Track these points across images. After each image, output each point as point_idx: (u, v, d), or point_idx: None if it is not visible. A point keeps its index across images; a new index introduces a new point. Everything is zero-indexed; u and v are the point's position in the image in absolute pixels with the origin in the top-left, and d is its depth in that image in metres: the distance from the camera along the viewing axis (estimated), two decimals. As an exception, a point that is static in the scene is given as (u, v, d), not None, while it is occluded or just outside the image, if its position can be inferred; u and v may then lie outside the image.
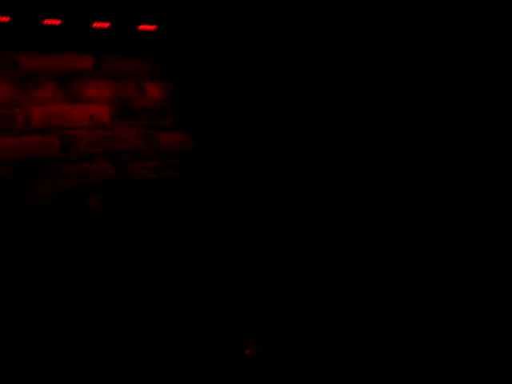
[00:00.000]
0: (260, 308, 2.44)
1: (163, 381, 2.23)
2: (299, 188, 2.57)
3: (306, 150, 2.61)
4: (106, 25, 2.31)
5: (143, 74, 2.43)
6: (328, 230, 2.51)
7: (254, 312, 2.44)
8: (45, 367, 2.09)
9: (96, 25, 2.30)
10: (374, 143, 2.54)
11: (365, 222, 2.50)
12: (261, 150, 2.57)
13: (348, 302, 2.49)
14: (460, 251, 2.51)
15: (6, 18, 2.15)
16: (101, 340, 2.18)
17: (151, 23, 2.36)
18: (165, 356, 2.27)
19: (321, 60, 2.66)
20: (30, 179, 2.21)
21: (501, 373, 2.22)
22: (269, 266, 2.47)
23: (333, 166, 2.60)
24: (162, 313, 2.31)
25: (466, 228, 2.51)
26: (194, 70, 2.51)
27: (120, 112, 2.39)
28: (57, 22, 2.23)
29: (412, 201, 2.52)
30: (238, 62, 2.59)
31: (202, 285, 2.38)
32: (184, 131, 2.47)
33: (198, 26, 2.43)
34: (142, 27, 2.38)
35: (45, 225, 2.20)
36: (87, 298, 2.21)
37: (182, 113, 2.48)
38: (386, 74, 2.57)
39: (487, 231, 2.42)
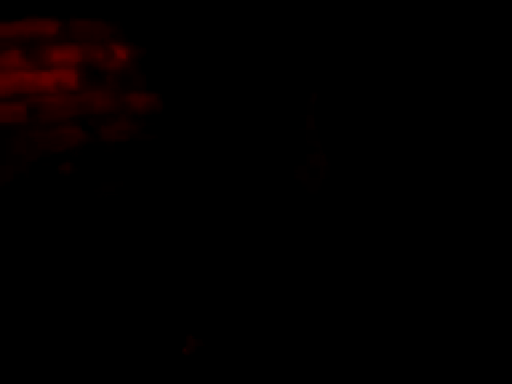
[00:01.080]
0: (200, 298, 2.44)
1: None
2: (264, 154, 2.58)
3: (270, 119, 2.60)
4: (66, -13, 2.26)
5: (109, 36, 2.39)
6: (290, 202, 2.54)
7: (192, 303, 2.44)
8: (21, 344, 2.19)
9: (56, -13, 2.25)
10: (329, 112, 2.53)
11: (324, 192, 2.52)
12: (227, 113, 2.56)
13: (310, 284, 2.52)
14: (422, 217, 2.53)
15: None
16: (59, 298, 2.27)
17: (114, -17, 2.30)
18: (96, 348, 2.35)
19: (284, 31, 2.60)
20: None
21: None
22: (224, 242, 2.51)
23: (294, 137, 2.60)
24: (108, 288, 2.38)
25: (425, 192, 2.53)
26: (162, 30, 2.47)
27: (88, 76, 2.38)
28: (15, -13, 2.18)
29: (370, 170, 2.53)
30: (205, 23, 2.54)
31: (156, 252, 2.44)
32: (153, 93, 2.46)
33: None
34: (105, -13, 2.32)
35: (17, 194, 2.25)
36: (60, 265, 2.28)
37: (151, 75, 2.46)
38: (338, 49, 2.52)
39: (452, 195, 2.44)
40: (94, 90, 2.38)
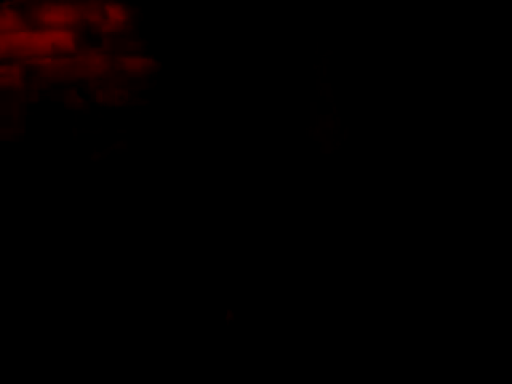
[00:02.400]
0: (234, 270, 2.42)
1: (141, 355, 2.29)
2: (273, 120, 2.47)
3: (277, 79, 2.47)
4: None
5: (104, -4, 2.33)
6: (306, 164, 2.42)
7: (227, 274, 2.42)
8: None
9: None
10: (346, 74, 2.37)
11: (341, 153, 2.39)
12: (229, 77, 2.46)
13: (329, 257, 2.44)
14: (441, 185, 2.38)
15: None
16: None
17: None
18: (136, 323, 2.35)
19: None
20: (-7, 112, 2.24)
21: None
22: (240, 211, 2.44)
23: (307, 98, 2.46)
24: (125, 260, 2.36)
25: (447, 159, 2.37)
26: (159, -11, 2.38)
27: (83, 38, 2.33)
28: None
29: (388, 130, 2.37)
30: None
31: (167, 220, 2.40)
32: (150, 57, 2.39)
33: None
34: None
35: (13, 159, 2.26)
36: (56, 229, 2.29)
37: (147, 38, 2.38)
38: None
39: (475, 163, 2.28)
40: (89, 53, 2.34)
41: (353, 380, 2.25)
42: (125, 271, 2.32)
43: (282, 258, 2.41)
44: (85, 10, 2.31)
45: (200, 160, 2.43)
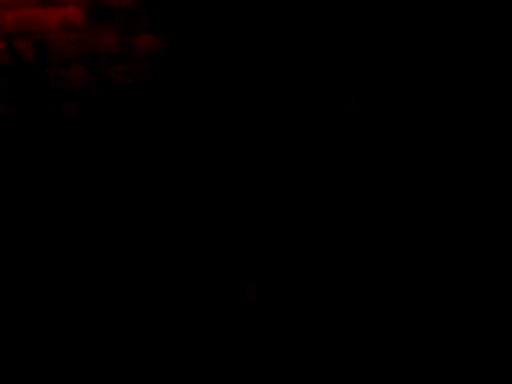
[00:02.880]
0: (255, 244, 2.41)
1: (160, 330, 2.31)
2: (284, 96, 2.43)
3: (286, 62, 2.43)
4: None
5: (115, -28, 2.32)
6: (322, 140, 2.39)
7: (248, 249, 2.42)
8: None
9: None
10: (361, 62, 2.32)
11: (354, 134, 2.36)
12: (241, 58, 2.42)
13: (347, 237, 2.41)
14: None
15: None
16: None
17: None
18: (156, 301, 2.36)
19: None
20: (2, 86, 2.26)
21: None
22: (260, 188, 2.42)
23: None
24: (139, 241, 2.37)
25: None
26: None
27: (94, 14, 2.32)
28: None
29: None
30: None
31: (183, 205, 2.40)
32: (160, 35, 2.37)
33: None
34: None
35: (21, 134, 2.28)
36: (64, 209, 2.31)
37: (157, 15, 2.36)
38: None
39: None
40: (100, 29, 2.33)
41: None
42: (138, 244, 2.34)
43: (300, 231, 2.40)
44: (95, -15, 2.31)
45: (208, 136, 2.42)
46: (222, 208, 2.39)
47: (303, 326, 2.31)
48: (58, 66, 2.31)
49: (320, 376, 2.24)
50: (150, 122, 2.38)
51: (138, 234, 2.35)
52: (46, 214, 2.29)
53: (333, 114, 2.39)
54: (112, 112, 2.35)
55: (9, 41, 2.25)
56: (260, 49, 2.40)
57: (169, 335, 2.32)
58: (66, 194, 2.31)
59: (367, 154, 2.37)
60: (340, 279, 2.35)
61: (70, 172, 2.32)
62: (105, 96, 2.35)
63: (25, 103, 2.28)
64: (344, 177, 2.37)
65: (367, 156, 2.37)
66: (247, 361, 2.27)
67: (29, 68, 2.28)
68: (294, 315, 2.32)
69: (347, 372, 2.23)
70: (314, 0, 2.33)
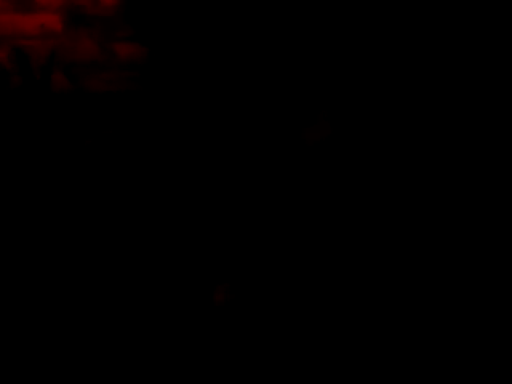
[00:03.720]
0: (225, 245, 2.39)
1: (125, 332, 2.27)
2: (258, 115, 2.42)
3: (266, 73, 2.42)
4: None
5: (95, -22, 2.29)
6: (289, 153, 2.37)
7: (218, 250, 2.39)
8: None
9: None
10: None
11: (324, 144, 2.34)
12: (220, 68, 2.41)
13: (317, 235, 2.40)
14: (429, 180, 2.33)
15: None
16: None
17: None
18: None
19: None
20: (-22, 92, 2.23)
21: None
22: (229, 193, 2.41)
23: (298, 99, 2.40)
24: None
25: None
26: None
27: (73, 21, 2.30)
28: None
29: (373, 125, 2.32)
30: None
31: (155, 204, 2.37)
32: (140, 43, 2.35)
33: None
34: None
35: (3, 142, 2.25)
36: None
37: (138, 23, 2.34)
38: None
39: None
40: (79, 37, 2.31)
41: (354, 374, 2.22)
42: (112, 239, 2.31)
43: (277, 237, 2.38)
44: (75, -8, 2.28)
45: (189, 144, 2.40)
46: (195, 210, 2.37)
47: (275, 333, 2.29)
48: (36, 72, 2.28)
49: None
50: (130, 129, 2.35)
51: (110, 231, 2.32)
52: (36, 211, 2.26)
53: (291, 140, 2.36)
54: (92, 119, 2.33)
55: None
56: (235, 57, 2.38)
57: (131, 338, 2.29)
58: (46, 186, 2.28)
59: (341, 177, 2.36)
60: (316, 282, 2.34)
61: (51, 174, 2.30)
62: (84, 104, 2.32)
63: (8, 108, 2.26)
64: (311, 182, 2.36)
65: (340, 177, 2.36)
66: (213, 366, 2.24)
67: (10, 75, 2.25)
68: (267, 320, 2.30)
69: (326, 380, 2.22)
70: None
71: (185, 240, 2.35)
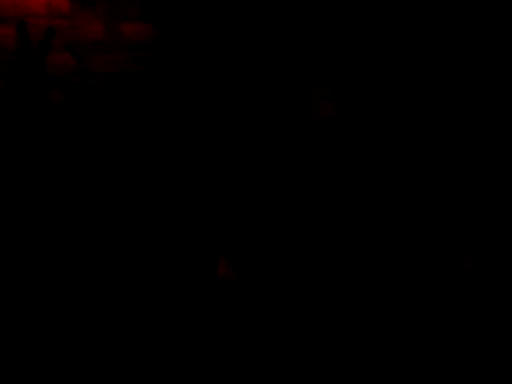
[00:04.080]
0: (230, 221, 2.43)
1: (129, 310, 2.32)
2: (269, 91, 2.54)
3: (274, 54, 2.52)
4: None
5: (105, -42, 2.25)
6: (300, 127, 2.50)
7: (223, 225, 2.43)
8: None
9: None
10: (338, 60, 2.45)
11: (334, 120, 2.48)
12: (226, 49, 2.48)
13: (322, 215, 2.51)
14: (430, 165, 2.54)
15: None
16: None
17: None
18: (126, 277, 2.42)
19: None
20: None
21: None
22: (238, 171, 2.51)
23: (306, 77, 2.53)
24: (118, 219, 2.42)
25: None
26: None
27: (80, 0, 2.26)
28: None
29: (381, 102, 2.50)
30: None
31: (162, 188, 2.47)
32: (148, 23, 2.36)
33: None
34: None
35: (4, 118, 2.22)
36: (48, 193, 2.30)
37: (145, 3, 2.34)
38: None
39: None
40: (85, 15, 2.28)
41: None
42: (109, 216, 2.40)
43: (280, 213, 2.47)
44: (83, -30, 2.23)
45: (194, 127, 2.48)
46: (201, 192, 2.49)
47: (278, 309, 2.39)
48: (41, 51, 2.24)
49: (298, 368, 2.29)
50: (135, 112, 2.40)
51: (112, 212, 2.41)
52: (36, 205, 2.28)
53: (294, 117, 2.48)
54: (97, 99, 2.34)
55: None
56: (249, 43, 2.46)
57: (135, 317, 2.38)
58: (53, 184, 2.31)
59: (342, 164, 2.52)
60: (316, 264, 2.50)
61: (56, 160, 2.31)
62: (90, 84, 2.32)
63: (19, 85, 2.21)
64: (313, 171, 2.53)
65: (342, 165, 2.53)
66: (217, 347, 2.32)
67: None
68: (271, 296, 2.39)
69: (329, 367, 2.28)
70: None
71: (189, 217, 2.47)
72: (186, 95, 2.46)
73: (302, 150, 2.50)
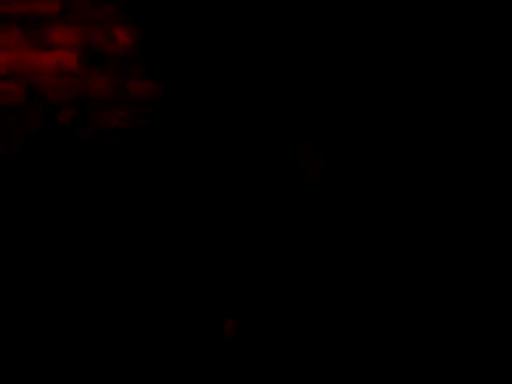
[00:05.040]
0: (234, 283, 2.45)
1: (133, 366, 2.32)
2: (263, 152, 2.53)
3: (268, 117, 2.53)
4: (71, -34, 2.19)
5: (112, 18, 2.33)
6: (288, 192, 2.49)
7: (227, 287, 2.44)
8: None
9: (61, -34, 2.18)
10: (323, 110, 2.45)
11: (322, 184, 2.47)
12: (230, 104, 2.50)
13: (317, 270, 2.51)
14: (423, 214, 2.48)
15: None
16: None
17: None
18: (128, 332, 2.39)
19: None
20: (-5, 129, 2.24)
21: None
22: (237, 233, 2.50)
23: (294, 137, 2.53)
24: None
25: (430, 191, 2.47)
26: (165, 14, 2.40)
27: (88, 59, 2.34)
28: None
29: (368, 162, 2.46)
30: (211, 13, 2.45)
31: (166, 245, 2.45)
32: (154, 80, 2.41)
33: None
34: (112, -32, 2.25)
35: (12, 176, 2.26)
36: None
37: (152, 61, 2.40)
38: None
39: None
40: (94, 74, 2.35)
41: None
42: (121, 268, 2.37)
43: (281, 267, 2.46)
44: (92, 31, 2.32)
45: (197, 181, 2.48)
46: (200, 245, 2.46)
47: (283, 366, 2.39)
48: (50, 109, 2.31)
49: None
50: (142, 166, 2.41)
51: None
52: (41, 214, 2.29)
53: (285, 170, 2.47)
54: (105, 157, 2.37)
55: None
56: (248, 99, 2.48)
57: (143, 369, 2.36)
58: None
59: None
60: (319, 318, 2.46)
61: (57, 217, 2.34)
62: (98, 141, 2.36)
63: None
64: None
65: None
66: None
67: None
68: (274, 354, 2.39)
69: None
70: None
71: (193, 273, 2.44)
72: (191, 149, 2.47)
73: (291, 213, 2.47)
